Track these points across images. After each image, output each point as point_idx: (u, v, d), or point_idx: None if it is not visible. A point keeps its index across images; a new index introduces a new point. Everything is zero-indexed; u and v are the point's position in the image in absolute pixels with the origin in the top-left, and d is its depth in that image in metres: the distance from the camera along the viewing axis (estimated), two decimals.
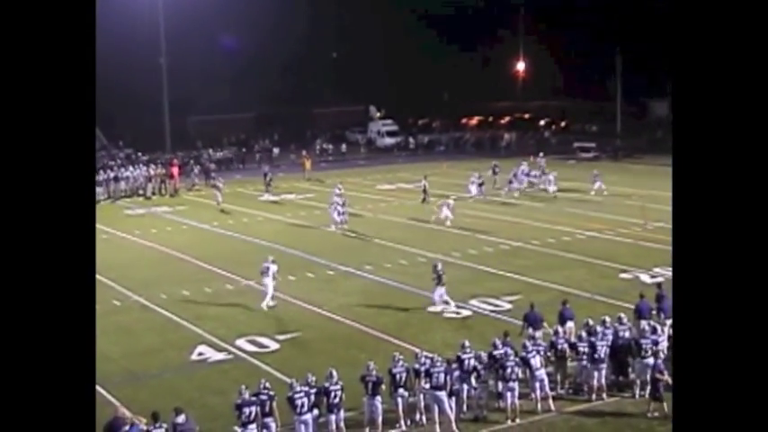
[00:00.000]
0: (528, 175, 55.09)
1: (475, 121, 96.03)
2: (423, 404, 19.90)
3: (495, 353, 20.58)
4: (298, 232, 43.54)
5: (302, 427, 18.37)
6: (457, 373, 19.96)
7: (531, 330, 22.47)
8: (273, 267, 29.66)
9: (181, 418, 17.41)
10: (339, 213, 43.25)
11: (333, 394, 18.79)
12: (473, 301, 29.23)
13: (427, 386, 19.65)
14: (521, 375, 20.28)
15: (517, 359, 20.38)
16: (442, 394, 19.43)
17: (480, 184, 51.69)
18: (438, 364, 19.67)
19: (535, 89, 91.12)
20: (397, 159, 76.78)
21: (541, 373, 20.54)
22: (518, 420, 19.82)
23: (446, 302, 28.29)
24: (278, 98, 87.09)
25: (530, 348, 20.72)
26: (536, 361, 20.51)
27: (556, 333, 21.87)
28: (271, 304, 29.18)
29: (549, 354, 21.33)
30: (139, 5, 70.51)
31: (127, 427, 17.14)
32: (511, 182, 53.34)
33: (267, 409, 18.32)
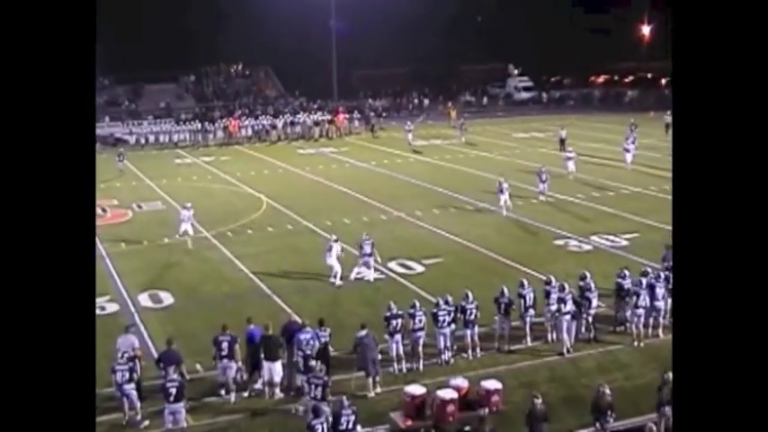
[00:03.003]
0: None
1: (601, 79, 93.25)
2: (549, 324, 19.69)
3: (624, 283, 20.04)
4: (443, 172, 43.44)
5: (441, 338, 18.52)
6: (570, 304, 19.41)
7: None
8: (337, 247, 24.57)
9: (363, 333, 17.50)
10: (542, 181, 35.43)
11: (469, 312, 18.85)
12: (594, 237, 28.66)
13: (554, 308, 19.42)
14: (648, 304, 19.69)
15: (646, 288, 19.76)
16: (567, 317, 19.18)
17: (633, 141, 44.48)
18: (565, 290, 19.37)
19: (658, 51, 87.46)
20: (531, 112, 75.49)
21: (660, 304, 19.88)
22: (641, 344, 19.36)
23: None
24: (429, 56, 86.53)
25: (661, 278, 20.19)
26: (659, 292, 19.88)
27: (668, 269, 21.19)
28: (338, 283, 24.14)
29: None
30: None
31: (302, 330, 17.53)
32: None
33: (419, 324, 18.35)
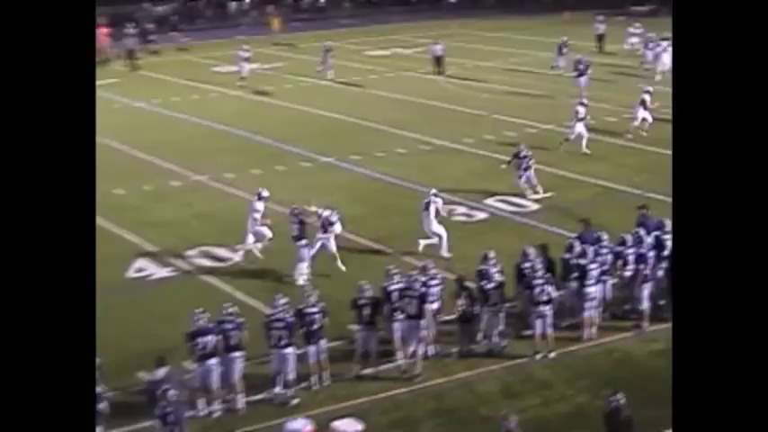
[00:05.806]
0: None
1: None
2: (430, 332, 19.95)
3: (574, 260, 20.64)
4: (263, 113, 43.46)
5: (277, 360, 18.45)
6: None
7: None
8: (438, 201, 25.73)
9: (161, 372, 17.04)
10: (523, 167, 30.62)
11: (309, 319, 18.80)
12: (490, 201, 29.31)
13: (434, 306, 19.74)
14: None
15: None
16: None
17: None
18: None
19: None
20: (393, 17, 76.18)
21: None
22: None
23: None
24: None
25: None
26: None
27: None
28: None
29: None
30: None
31: None
32: None
33: (233, 341, 18.33)
